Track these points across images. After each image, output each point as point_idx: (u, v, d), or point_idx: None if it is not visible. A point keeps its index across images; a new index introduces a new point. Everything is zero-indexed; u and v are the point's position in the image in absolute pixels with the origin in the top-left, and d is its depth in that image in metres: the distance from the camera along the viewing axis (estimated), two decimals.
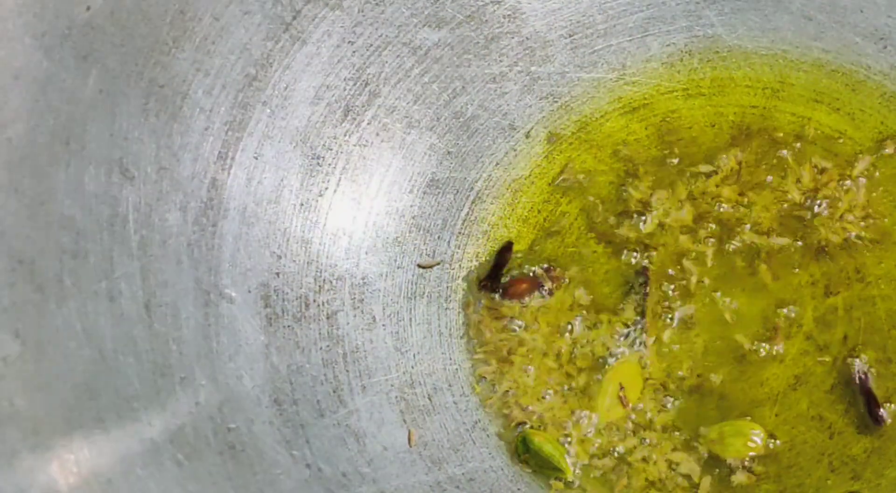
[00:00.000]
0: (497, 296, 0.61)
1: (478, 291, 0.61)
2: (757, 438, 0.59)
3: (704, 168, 0.63)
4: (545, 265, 0.61)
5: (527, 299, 0.61)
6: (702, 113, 0.64)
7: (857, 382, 0.59)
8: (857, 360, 0.59)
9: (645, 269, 0.61)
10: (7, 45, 0.53)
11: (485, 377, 0.61)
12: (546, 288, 0.61)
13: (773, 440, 0.59)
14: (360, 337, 0.60)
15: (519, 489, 0.59)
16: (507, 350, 0.61)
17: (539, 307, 0.61)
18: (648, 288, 0.60)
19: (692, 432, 0.59)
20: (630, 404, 0.60)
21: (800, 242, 0.61)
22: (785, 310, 0.60)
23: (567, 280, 0.61)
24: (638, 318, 0.60)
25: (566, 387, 0.60)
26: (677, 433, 0.59)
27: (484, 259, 0.62)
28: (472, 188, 0.63)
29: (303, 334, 0.59)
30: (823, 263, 0.61)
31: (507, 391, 0.60)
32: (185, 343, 0.55)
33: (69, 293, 0.53)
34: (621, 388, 0.60)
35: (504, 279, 0.61)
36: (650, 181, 0.63)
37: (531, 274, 0.61)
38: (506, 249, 0.62)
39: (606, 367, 0.60)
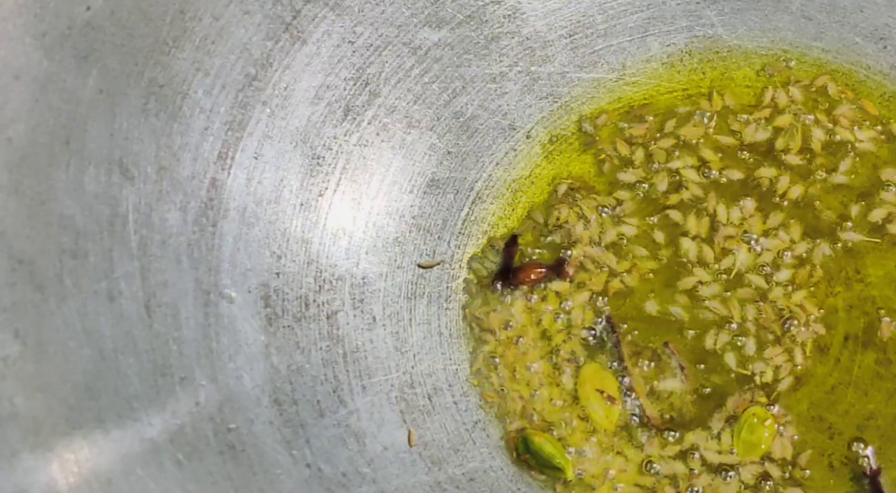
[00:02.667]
0: (511, 288, 0.61)
1: (491, 287, 0.61)
2: (765, 420, 0.59)
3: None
4: (561, 257, 0.61)
5: (541, 285, 0.61)
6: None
7: (868, 473, 0.59)
8: (870, 449, 0.59)
9: (608, 318, 0.61)
10: (7, 45, 0.53)
11: (483, 379, 0.61)
12: (563, 275, 0.61)
13: (772, 406, 0.59)
14: (360, 337, 0.60)
15: (519, 489, 0.59)
16: (506, 349, 0.61)
17: (537, 307, 0.61)
18: (617, 337, 0.60)
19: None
20: (618, 401, 0.60)
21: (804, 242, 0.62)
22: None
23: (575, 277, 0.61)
24: (620, 368, 0.60)
25: (561, 399, 0.60)
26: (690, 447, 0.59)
27: (480, 254, 0.62)
28: (473, 188, 0.63)
29: (303, 335, 0.59)
30: (824, 263, 0.61)
31: (506, 392, 0.61)
32: (185, 343, 0.55)
33: (69, 293, 0.53)
34: (602, 393, 0.60)
35: (516, 265, 0.61)
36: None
37: (545, 262, 0.61)
38: (512, 242, 0.62)
39: (575, 382, 0.60)
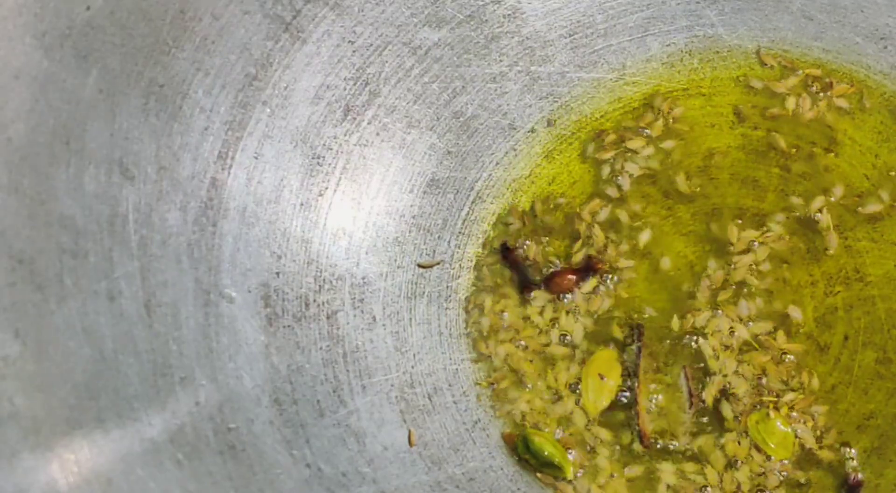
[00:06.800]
0: (537, 291, 0.61)
1: (522, 295, 0.61)
2: (778, 421, 0.59)
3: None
4: (588, 256, 0.61)
5: (572, 293, 0.61)
6: (702, 113, 0.64)
7: (851, 482, 0.59)
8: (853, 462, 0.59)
9: (639, 326, 0.61)
10: (7, 45, 0.53)
11: (492, 384, 0.61)
12: (592, 277, 0.61)
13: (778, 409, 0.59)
14: (360, 337, 0.60)
15: (519, 489, 0.59)
16: (510, 352, 0.61)
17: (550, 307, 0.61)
18: (641, 346, 0.60)
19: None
20: (608, 380, 0.60)
21: (802, 244, 0.62)
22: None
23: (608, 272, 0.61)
24: (629, 381, 0.60)
25: (562, 390, 0.60)
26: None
27: (483, 262, 0.62)
28: (473, 188, 0.63)
29: (303, 334, 0.59)
30: (823, 263, 0.61)
31: (509, 392, 0.61)
32: (185, 343, 0.55)
33: (69, 293, 0.53)
34: (602, 377, 0.60)
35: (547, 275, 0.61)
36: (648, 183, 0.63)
37: (575, 266, 0.61)
38: (506, 250, 0.62)
39: (583, 365, 0.60)
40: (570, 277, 0.61)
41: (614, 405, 0.60)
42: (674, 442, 0.59)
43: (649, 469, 0.59)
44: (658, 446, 0.59)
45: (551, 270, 0.62)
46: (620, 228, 0.62)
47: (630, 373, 0.60)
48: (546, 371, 0.61)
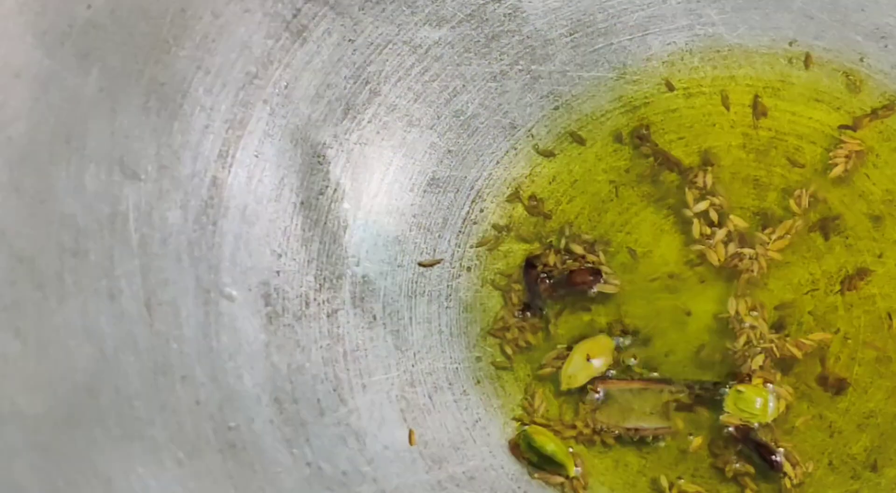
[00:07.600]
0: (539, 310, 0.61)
1: (520, 316, 0.61)
2: (759, 397, 0.59)
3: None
4: (571, 270, 0.62)
5: (593, 288, 0.61)
6: (702, 112, 0.64)
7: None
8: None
9: (635, 332, 0.61)
10: (8, 44, 0.53)
11: (488, 378, 0.61)
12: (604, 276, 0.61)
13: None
14: (360, 336, 0.60)
15: (519, 488, 0.59)
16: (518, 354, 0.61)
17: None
18: (631, 345, 0.60)
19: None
20: (599, 367, 0.60)
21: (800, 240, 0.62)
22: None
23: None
24: (615, 373, 0.60)
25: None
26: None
27: (483, 257, 0.62)
28: (473, 187, 0.63)
29: (303, 333, 0.59)
30: (824, 261, 0.61)
31: (509, 389, 0.61)
32: (186, 342, 0.55)
33: (70, 292, 0.53)
34: (588, 358, 0.60)
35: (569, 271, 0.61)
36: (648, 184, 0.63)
37: (591, 263, 0.61)
38: (529, 266, 0.61)
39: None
40: (588, 276, 0.61)
41: (612, 401, 0.60)
42: (659, 437, 0.59)
43: (645, 467, 0.59)
44: (655, 441, 0.59)
45: (570, 268, 0.61)
46: (614, 231, 0.62)
47: (616, 368, 0.60)
48: (546, 369, 0.61)
